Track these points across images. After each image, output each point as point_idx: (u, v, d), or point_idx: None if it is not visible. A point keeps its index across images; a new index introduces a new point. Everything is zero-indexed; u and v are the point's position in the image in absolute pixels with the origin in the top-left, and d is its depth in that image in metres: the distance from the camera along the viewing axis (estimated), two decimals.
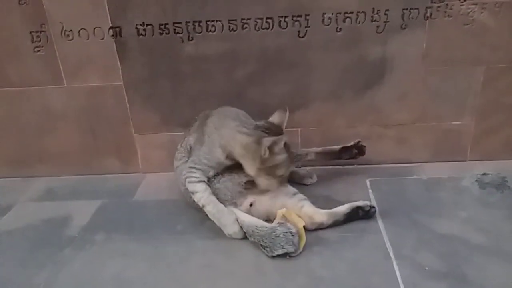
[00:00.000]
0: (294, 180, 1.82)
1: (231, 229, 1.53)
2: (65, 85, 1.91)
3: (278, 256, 1.41)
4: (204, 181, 1.59)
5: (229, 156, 1.58)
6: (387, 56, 1.78)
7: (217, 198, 1.57)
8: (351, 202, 1.62)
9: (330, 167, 1.96)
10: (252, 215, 1.56)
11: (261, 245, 1.44)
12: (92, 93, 1.92)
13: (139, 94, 1.91)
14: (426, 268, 1.36)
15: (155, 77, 1.87)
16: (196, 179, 1.58)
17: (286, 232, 1.42)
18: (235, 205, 1.57)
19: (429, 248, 1.44)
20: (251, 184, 1.58)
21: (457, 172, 1.86)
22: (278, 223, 1.46)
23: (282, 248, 1.40)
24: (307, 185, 1.85)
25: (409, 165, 1.94)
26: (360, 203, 1.60)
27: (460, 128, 1.88)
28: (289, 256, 1.41)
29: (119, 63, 1.85)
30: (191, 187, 1.58)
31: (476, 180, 1.78)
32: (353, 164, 1.96)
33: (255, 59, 1.81)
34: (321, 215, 1.55)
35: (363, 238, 1.51)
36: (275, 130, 1.55)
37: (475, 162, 1.92)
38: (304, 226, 1.47)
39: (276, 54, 1.80)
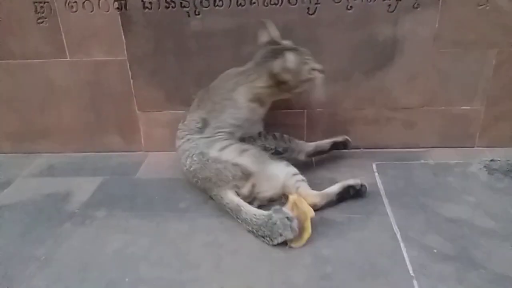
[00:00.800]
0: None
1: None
2: (68, 59, 1.87)
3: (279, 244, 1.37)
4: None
5: (259, 100, 1.62)
6: (398, 37, 1.73)
7: (217, 179, 1.54)
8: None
9: (335, 150, 1.93)
10: (255, 196, 1.54)
11: (259, 235, 1.40)
12: (96, 67, 1.88)
13: (143, 70, 1.87)
14: (434, 250, 1.33)
15: (160, 53, 1.83)
16: (228, 142, 1.56)
17: (283, 218, 1.35)
18: (237, 187, 1.54)
19: (437, 231, 1.42)
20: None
21: (465, 158, 1.83)
22: (273, 209, 1.40)
23: (281, 235, 1.35)
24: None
25: (416, 150, 1.91)
26: (351, 181, 1.59)
27: (469, 113, 1.85)
28: (290, 246, 1.36)
29: (123, 37, 1.81)
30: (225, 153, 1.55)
31: (484, 166, 1.75)
32: (359, 148, 1.93)
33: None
34: (314, 197, 1.54)
35: (369, 220, 1.48)
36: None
37: (483, 149, 1.89)
38: (311, 218, 1.39)
39: (285, 31, 1.73)
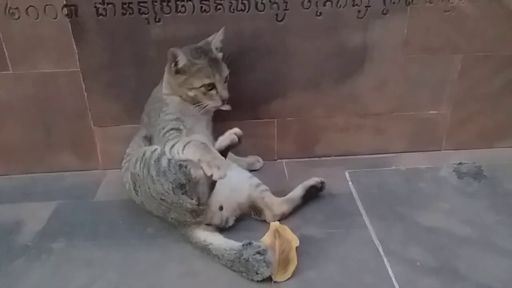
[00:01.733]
0: (243, 168, 1.69)
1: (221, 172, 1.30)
2: (11, 71, 1.66)
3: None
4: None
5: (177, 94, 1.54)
6: (368, 43, 1.70)
7: (179, 223, 1.43)
8: (331, 192, 1.64)
9: (306, 159, 1.89)
10: (226, 217, 1.45)
11: (235, 270, 1.29)
12: (43, 80, 1.69)
13: (98, 82, 1.70)
14: (418, 263, 1.31)
15: (117, 63, 1.67)
16: (172, 143, 1.43)
17: (254, 254, 1.24)
18: (205, 221, 1.43)
19: (417, 242, 1.40)
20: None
21: (434, 162, 1.85)
22: (243, 244, 1.28)
23: (257, 273, 1.24)
24: (257, 170, 1.80)
25: (386, 155, 1.90)
26: (311, 181, 1.59)
27: (436, 117, 1.86)
28: (274, 282, 1.25)
29: (75, 46, 1.64)
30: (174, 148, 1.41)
31: (453, 170, 1.77)
32: (330, 156, 1.89)
33: (229, 44, 1.66)
34: (280, 206, 1.51)
35: (349, 234, 1.44)
36: (198, 44, 1.53)
37: (450, 151, 1.92)
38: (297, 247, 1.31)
39: (252, 39, 1.66)
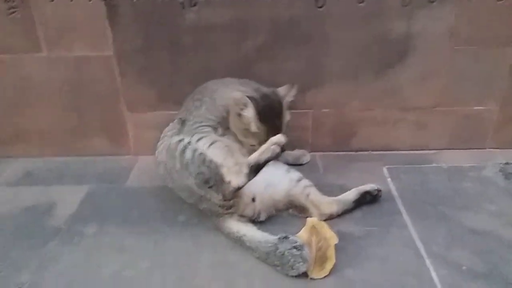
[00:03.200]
0: (289, 162, 1.67)
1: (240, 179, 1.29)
2: (45, 54, 1.65)
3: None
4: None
5: (226, 112, 1.47)
6: (412, 33, 1.61)
7: (212, 213, 1.40)
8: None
9: (343, 153, 1.82)
10: (258, 210, 1.40)
11: (269, 263, 1.24)
12: (77, 64, 1.68)
13: (132, 67, 1.68)
14: (464, 267, 1.24)
15: (151, 48, 1.64)
16: (199, 136, 1.40)
17: (290, 249, 1.19)
18: (237, 212, 1.39)
19: (462, 244, 1.32)
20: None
21: (477, 160, 1.75)
22: (279, 237, 1.23)
23: (293, 269, 1.19)
24: (303, 164, 1.74)
25: (426, 151, 1.82)
26: (367, 187, 1.50)
27: (482, 114, 1.76)
28: (312, 278, 1.20)
29: (109, 30, 1.61)
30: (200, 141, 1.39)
31: (499, 170, 1.68)
32: (367, 150, 1.82)
33: (265, 30, 1.61)
34: (330, 205, 1.43)
35: (389, 233, 1.37)
36: (271, 99, 1.44)
37: (495, 150, 1.81)
38: (335, 245, 1.24)
39: (289, 26, 1.60)
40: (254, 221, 1.40)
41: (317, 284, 1.19)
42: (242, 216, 1.39)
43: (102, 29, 1.61)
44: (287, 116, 1.47)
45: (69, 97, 1.74)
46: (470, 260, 1.26)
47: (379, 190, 1.50)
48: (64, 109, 1.76)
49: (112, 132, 1.81)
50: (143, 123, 1.78)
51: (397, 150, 1.81)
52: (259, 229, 1.34)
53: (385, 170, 1.69)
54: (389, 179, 1.64)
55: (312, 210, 1.43)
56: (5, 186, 1.69)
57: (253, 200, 1.40)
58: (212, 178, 1.31)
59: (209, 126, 1.45)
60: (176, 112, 1.70)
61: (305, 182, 1.47)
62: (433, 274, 1.21)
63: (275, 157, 1.31)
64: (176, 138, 1.43)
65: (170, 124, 1.57)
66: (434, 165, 1.73)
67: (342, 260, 1.25)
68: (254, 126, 1.41)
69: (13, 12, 1.59)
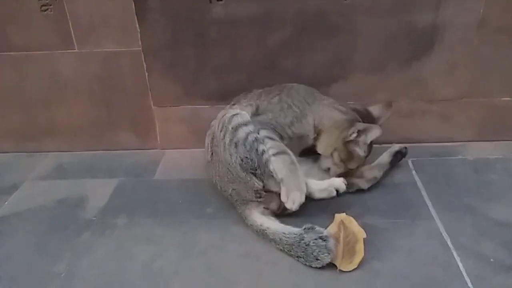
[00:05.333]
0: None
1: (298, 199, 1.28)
2: (76, 50, 1.70)
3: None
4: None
5: (315, 131, 1.45)
6: (439, 23, 1.59)
7: (237, 197, 1.40)
8: (393, 181, 1.59)
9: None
10: (284, 206, 1.38)
11: (292, 254, 1.26)
12: (107, 59, 1.72)
13: (159, 62, 1.71)
14: (491, 259, 1.23)
15: (178, 43, 1.67)
16: (269, 135, 1.36)
17: (316, 239, 1.21)
18: (263, 203, 1.39)
19: (489, 237, 1.31)
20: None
21: (504, 152, 1.72)
22: (305, 228, 1.25)
23: (317, 259, 1.20)
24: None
25: (452, 144, 1.79)
26: (396, 147, 1.65)
27: (510, 105, 1.73)
28: (340, 270, 1.21)
29: (137, 25, 1.64)
30: (266, 142, 1.35)
31: None
32: (392, 143, 1.81)
33: (291, 24, 1.62)
34: (371, 171, 1.54)
35: (415, 225, 1.37)
36: (369, 121, 1.47)
37: None
38: (364, 239, 1.24)
39: (316, 18, 1.60)
40: (280, 214, 1.41)
41: (345, 276, 1.20)
42: (266, 208, 1.40)
43: (131, 25, 1.64)
44: None
45: (99, 92, 1.79)
46: (497, 252, 1.26)
47: (406, 147, 1.65)
48: (94, 104, 1.81)
49: (139, 126, 1.85)
50: (170, 117, 1.82)
51: (423, 142, 1.80)
52: (285, 222, 1.35)
53: (410, 162, 1.69)
54: (414, 172, 1.64)
55: (356, 180, 1.50)
56: (39, 179, 1.75)
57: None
58: (261, 168, 1.32)
59: (280, 135, 1.41)
60: (202, 106, 1.75)
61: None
62: (460, 265, 1.21)
63: (328, 198, 1.35)
64: (232, 112, 1.40)
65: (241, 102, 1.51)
66: (460, 157, 1.72)
67: (369, 253, 1.25)
68: (362, 151, 1.44)
69: (46, 9, 1.64)
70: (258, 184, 1.34)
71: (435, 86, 1.71)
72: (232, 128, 1.35)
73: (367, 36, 1.62)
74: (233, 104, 1.52)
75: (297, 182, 1.30)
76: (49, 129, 1.87)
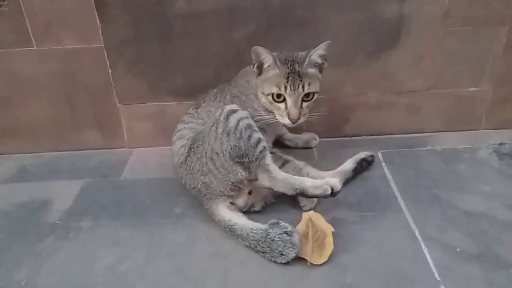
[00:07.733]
0: (299, 146, 1.75)
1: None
2: (35, 47, 1.64)
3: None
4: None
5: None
6: (404, 15, 1.59)
7: (206, 191, 1.38)
8: (363, 174, 1.58)
9: (337, 138, 1.82)
10: (251, 203, 1.40)
11: (258, 250, 1.25)
12: (67, 56, 1.66)
13: (123, 58, 1.66)
14: (458, 249, 1.24)
15: (142, 38, 1.62)
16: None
17: (281, 234, 1.21)
18: (232, 198, 1.38)
19: (456, 226, 1.33)
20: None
21: (472, 142, 1.75)
22: (270, 223, 1.25)
23: (282, 254, 1.20)
24: (312, 147, 1.76)
25: (420, 135, 1.81)
26: (362, 155, 1.58)
27: (476, 95, 1.75)
28: (311, 263, 1.20)
29: (98, 21, 1.59)
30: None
31: (494, 151, 1.68)
32: (361, 135, 1.82)
33: (257, 17, 1.59)
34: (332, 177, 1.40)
35: (384, 217, 1.38)
36: (291, 53, 1.39)
37: (489, 131, 1.81)
38: (333, 232, 1.24)
39: (282, 12, 1.58)
40: (247, 211, 1.40)
41: (313, 271, 1.20)
42: (232, 203, 1.38)
43: (91, 20, 1.59)
44: (307, 86, 1.35)
45: (61, 91, 1.73)
46: (464, 242, 1.27)
47: (372, 155, 1.60)
48: (56, 103, 1.75)
49: (105, 125, 1.80)
50: (136, 115, 1.77)
51: (391, 134, 1.81)
52: (253, 219, 1.34)
53: (380, 154, 1.69)
54: (383, 164, 1.64)
55: None
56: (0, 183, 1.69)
57: (250, 193, 1.40)
58: (250, 156, 1.29)
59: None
60: (168, 103, 1.71)
61: (299, 163, 1.47)
62: (428, 257, 1.22)
63: (323, 197, 1.30)
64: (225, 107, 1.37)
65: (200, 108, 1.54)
66: (428, 148, 1.73)
67: (338, 246, 1.25)
68: (273, 71, 1.35)
69: (1, 6, 1.56)
70: (241, 174, 1.32)
71: (402, 78, 1.71)
72: (223, 118, 1.32)
73: (334, 30, 1.61)
74: (196, 108, 1.53)
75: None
76: (10, 130, 1.80)
